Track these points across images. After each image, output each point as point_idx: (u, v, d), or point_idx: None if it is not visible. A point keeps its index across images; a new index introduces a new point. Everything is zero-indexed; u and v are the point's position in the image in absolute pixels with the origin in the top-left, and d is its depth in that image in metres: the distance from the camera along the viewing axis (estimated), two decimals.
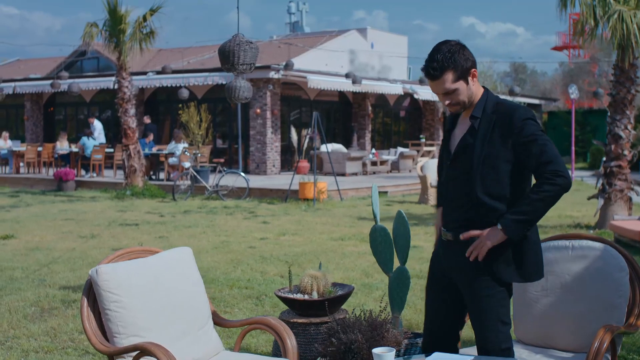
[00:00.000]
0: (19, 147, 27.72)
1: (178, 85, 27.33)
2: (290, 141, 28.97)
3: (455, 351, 4.22)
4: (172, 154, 23.09)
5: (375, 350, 3.71)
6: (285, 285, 6.00)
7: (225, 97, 8.61)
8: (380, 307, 5.16)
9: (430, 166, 19.30)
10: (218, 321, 4.66)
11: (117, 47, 20.92)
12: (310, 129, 20.63)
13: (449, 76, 3.73)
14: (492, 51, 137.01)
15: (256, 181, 22.52)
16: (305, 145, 25.04)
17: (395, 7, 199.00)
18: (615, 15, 12.59)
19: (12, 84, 31.89)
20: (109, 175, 25.16)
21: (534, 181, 3.85)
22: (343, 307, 6.31)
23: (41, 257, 10.79)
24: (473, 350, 4.37)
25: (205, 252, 11.32)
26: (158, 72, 28.22)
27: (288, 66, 26.02)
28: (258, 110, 26.78)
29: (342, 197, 19.67)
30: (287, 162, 28.87)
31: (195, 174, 20.34)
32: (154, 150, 24.95)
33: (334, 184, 19.82)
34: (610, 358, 4.29)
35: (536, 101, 42.24)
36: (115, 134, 30.14)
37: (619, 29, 12.58)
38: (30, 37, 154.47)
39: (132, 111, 21.38)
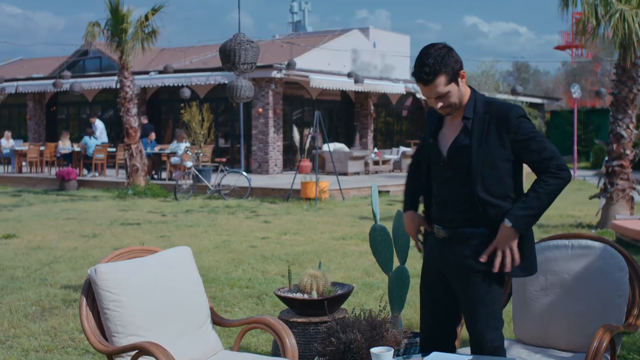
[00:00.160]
0: (22, 146, 27.75)
1: (180, 84, 27.34)
2: (292, 140, 28.97)
3: (453, 349, 4.22)
4: (174, 154, 23.10)
5: (374, 350, 3.71)
6: (286, 285, 5.99)
7: (227, 96, 8.63)
8: (379, 306, 5.16)
9: None
10: (217, 320, 4.66)
11: (119, 47, 20.93)
12: (312, 129, 20.64)
13: (442, 80, 3.73)
14: (495, 50, 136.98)
15: (258, 180, 22.52)
16: (307, 144, 25.04)
17: (397, 7, 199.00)
18: (617, 15, 12.57)
19: (15, 83, 31.92)
20: (111, 175, 25.18)
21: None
22: (343, 306, 6.31)
23: (43, 257, 10.80)
24: (467, 350, 4.38)
25: (207, 251, 11.32)
26: (160, 72, 28.23)
27: (290, 65, 26.02)
28: (260, 110, 26.78)
29: (344, 196, 19.67)
30: (290, 162, 28.86)
31: (197, 173, 20.34)
32: (156, 149, 24.97)
33: (336, 183, 19.82)
34: (609, 358, 4.28)
35: (539, 100, 42.20)
36: (117, 133, 30.16)
37: (620, 28, 12.56)
38: (33, 37, 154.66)
39: (134, 110, 21.39)
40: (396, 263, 5.45)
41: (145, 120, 26.51)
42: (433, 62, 3.70)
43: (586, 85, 49.08)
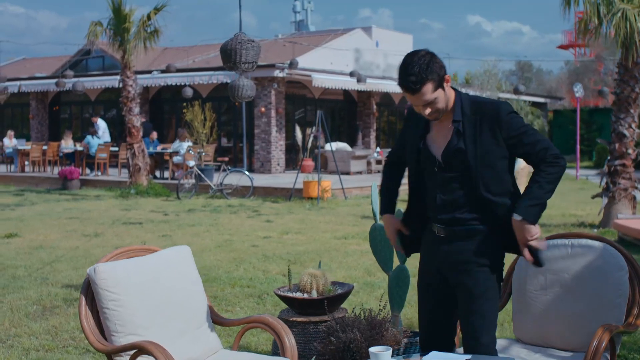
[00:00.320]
0: (24, 145, 27.77)
1: (183, 84, 27.35)
2: (294, 140, 28.96)
3: (453, 348, 4.22)
4: (176, 153, 23.10)
5: (372, 349, 3.70)
6: (287, 284, 5.99)
7: (229, 95, 8.63)
8: (379, 306, 5.16)
9: None
10: (216, 320, 4.66)
11: (122, 46, 20.94)
12: (314, 128, 20.63)
13: (429, 87, 3.71)
14: (498, 50, 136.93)
15: (260, 180, 22.53)
16: (310, 143, 25.04)
17: (400, 6, 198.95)
18: (619, 14, 12.56)
19: (18, 82, 31.93)
20: (113, 174, 25.20)
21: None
22: (344, 305, 6.32)
23: (44, 256, 10.81)
24: None
25: (208, 250, 11.32)
26: (163, 71, 28.23)
27: (293, 65, 26.02)
28: (263, 109, 26.79)
29: (346, 195, 19.67)
30: (292, 161, 28.86)
31: (199, 172, 20.35)
32: (159, 149, 24.98)
33: (338, 182, 19.82)
34: (609, 357, 4.28)
35: (541, 100, 42.19)
36: (120, 132, 30.18)
37: (622, 28, 12.55)
38: (36, 36, 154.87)
39: (136, 110, 21.40)
40: (396, 262, 5.46)
41: (143, 119, 26.54)
42: (418, 70, 3.68)
43: (589, 85, 49.03)
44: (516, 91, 31.38)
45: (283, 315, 5.22)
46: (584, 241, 4.60)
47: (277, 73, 25.98)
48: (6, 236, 12.66)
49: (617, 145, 13.47)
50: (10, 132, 28.23)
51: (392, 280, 5.46)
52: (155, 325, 4.22)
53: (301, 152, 28.02)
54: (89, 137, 25.05)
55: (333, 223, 14.61)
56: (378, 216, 5.42)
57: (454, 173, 3.88)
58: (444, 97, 3.79)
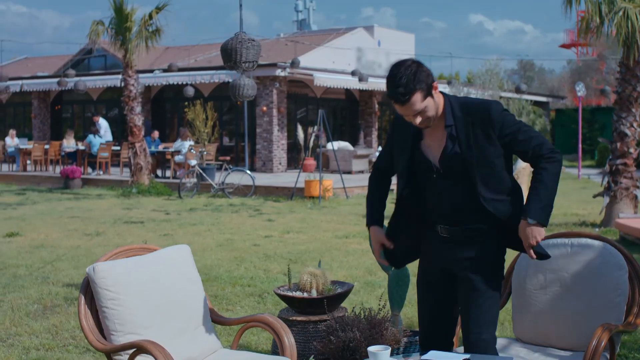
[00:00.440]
0: (26, 144, 27.79)
1: (184, 83, 27.35)
2: (296, 139, 28.96)
3: (451, 347, 4.22)
4: (178, 152, 23.12)
5: (371, 349, 3.70)
6: (288, 283, 5.99)
7: (230, 94, 8.63)
8: (379, 305, 5.16)
9: None
10: (216, 319, 4.66)
11: (123, 45, 20.95)
12: (316, 127, 20.63)
13: (418, 97, 3.69)
14: (501, 49, 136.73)
15: (262, 179, 22.53)
16: (312, 143, 25.04)
17: (402, 5, 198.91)
18: (621, 13, 12.55)
19: (20, 82, 31.96)
20: (115, 173, 25.22)
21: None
22: (344, 305, 6.31)
23: (45, 255, 10.82)
24: None
25: (210, 249, 11.33)
26: (164, 70, 28.24)
27: (294, 64, 26.03)
28: (264, 108, 26.79)
29: (347, 194, 19.67)
30: (294, 160, 28.86)
31: (201, 171, 20.36)
32: (160, 148, 24.99)
33: (340, 181, 19.81)
34: (608, 356, 4.28)
35: (544, 99, 42.16)
36: (121, 132, 30.19)
37: (623, 27, 12.54)
38: (39, 35, 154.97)
39: (138, 109, 21.41)
40: None
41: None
42: (406, 81, 3.66)
43: (591, 84, 48.98)
44: (518, 90, 31.36)
45: (283, 315, 5.22)
46: (583, 240, 4.59)
47: (279, 72, 25.98)
48: (7, 235, 12.67)
49: (618, 144, 13.46)
50: (12, 131, 28.26)
51: (392, 280, 5.46)
52: (155, 325, 4.22)
53: (303, 151, 28.02)
54: (90, 136, 25.07)
55: (334, 222, 14.61)
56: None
57: (453, 177, 3.87)
58: (434, 104, 3.77)
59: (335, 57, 33.60)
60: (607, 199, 13.56)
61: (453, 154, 3.84)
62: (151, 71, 28.82)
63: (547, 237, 4.74)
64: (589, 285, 4.47)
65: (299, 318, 5.12)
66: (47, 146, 27.01)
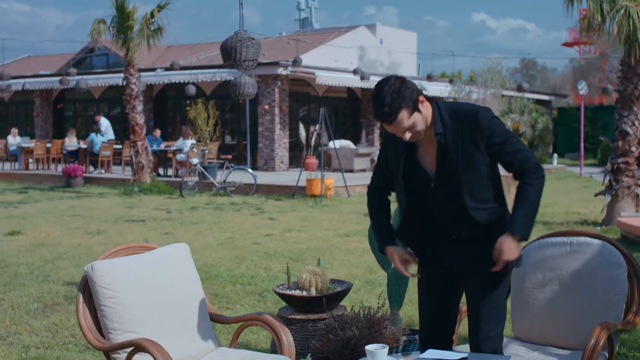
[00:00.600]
0: (28, 143, 27.80)
1: (186, 81, 27.33)
2: (298, 137, 28.96)
3: (451, 346, 4.21)
4: (180, 151, 23.13)
5: (368, 347, 3.70)
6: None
7: (230, 93, 8.63)
8: (378, 303, 5.15)
9: None
10: (214, 317, 4.66)
11: (125, 44, 20.96)
12: (317, 125, 20.61)
13: (404, 114, 3.66)
14: (503, 47, 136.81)
15: (264, 177, 22.53)
16: (313, 141, 25.03)
17: (405, 3, 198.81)
18: (622, 11, 12.54)
19: (22, 80, 31.98)
20: (117, 172, 25.23)
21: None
22: (345, 303, 6.31)
23: (46, 253, 10.83)
24: (467, 348, 4.37)
25: (210, 248, 11.33)
26: (166, 69, 28.25)
27: (296, 62, 26.01)
28: (266, 107, 26.79)
29: (349, 193, 19.66)
30: (296, 159, 28.86)
31: (202, 170, 20.36)
32: (162, 146, 25.00)
33: (342, 180, 19.80)
34: (607, 355, 4.27)
35: (546, 97, 42.11)
36: (123, 130, 30.20)
37: (625, 25, 12.52)
38: (41, 34, 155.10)
39: (139, 107, 21.42)
40: None
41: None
42: (390, 100, 3.63)
43: (594, 82, 48.90)
44: (520, 89, 31.32)
45: (282, 313, 5.21)
46: (582, 239, 4.59)
47: (281, 71, 25.97)
48: (9, 233, 12.67)
49: (620, 142, 13.45)
50: (14, 130, 28.28)
51: (391, 278, 5.45)
52: (153, 323, 4.22)
53: (305, 149, 28.01)
54: (92, 135, 25.09)
55: (336, 221, 14.61)
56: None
57: (450, 185, 3.87)
58: (422, 118, 3.74)
59: (338, 56, 33.59)
60: (608, 198, 13.55)
61: (445, 162, 3.84)
62: (153, 70, 28.83)
63: (546, 236, 4.74)
64: (587, 283, 4.46)
65: (298, 316, 5.12)
66: (49, 145, 27.03)
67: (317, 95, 30.48)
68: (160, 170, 24.57)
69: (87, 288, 4.22)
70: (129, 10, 20.55)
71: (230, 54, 6.72)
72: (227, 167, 20.62)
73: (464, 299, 4.14)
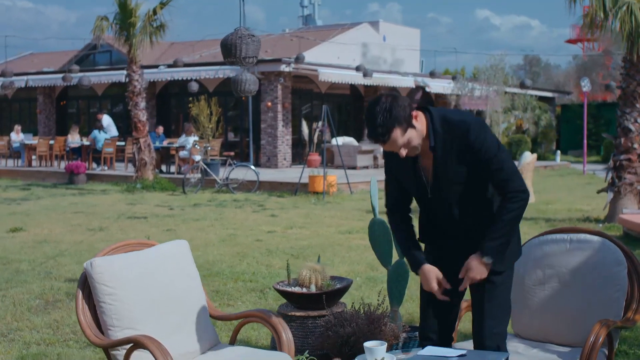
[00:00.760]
0: (31, 140, 27.83)
1: (189, 78, 27.34)
2: (301, 134, 28.94)
3: (450, 342, 4.21)
4: (182, 147, 23.13)
5: (367, 344, 3.70)
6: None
7: (232, 89, 8.63)
8: (378, 300, 5.15)
9: None
10: (214, 314, 4.66)
11: (128, 41, 20.97)
12: (320, 122, 20.60)
13: (397, 133, 3.65)
14: (507, 44, 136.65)
15: (267, 174, 22.53)
16: (316, 138, 25.01)
17: (409, 0, 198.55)
18: (624, 8, 12.52)
19: (25, 77, 31.98)
20: (120, 169, 25.24)
21: None
22: (345, 300, 6.31)
23: (48, 250, 10.84)
24: (467, 344, 4.37)
25: (212, 245, 11.33)
26: (169, 66, 28.25)
27: (299, 59, 26.00)
28: (269, 104, 26.78)
29: (352, 190, 19.65)
30: (298, 156, 28.85)
31: (205, 167, 20.36)
32: (165, 143, 25.01)
33: (344, 177, 19.80)
34: (606, 352, 4.27)
35: (549, 94, 42.05)
36: (126, 127, 30.21)
37: (627, 22, 12.50)
38: (45, 31, 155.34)
39: (142, 104, 21.43)
40: (395, 257, 5.44)
41: None
42: (382, 120, 3.62)
43: (597, 79, 48.88)
44: (522, 86, 31.29)
45: (282, 310, 5.21)
46: (582, 236, 4.58)
47: (284, 67, 25.96)
48: (11, 230, 12.69)
49: (622, 139, 13.43)
50: (18, 127, 28.30)
51: (391, 275, 5.45)
52: (152, 320, 4.22)
53: (307, 146, 28.00)
54: (95, 132, 25.10)
55: (338, 218, 14.60)
56: (377, 210, 5.41)
57: (443, 194, 3.89)
58: (417, 133, 3.73)
59: (340, 53, 33.56)
60: (611, 195, 13.53)
61: (439, 171, 3.84)
62: (156, 67, 28.83)
63: (546, 233, 4.73)
64: (587, 281, 4.46)
65: (298, 313, 5.12)
66: (52, 142, 27.05)
67: (319, 92, 30.46)
68: (163, 167, 24.58)
69: (86, 285, 4.23)
70: (132, 7, 20.56)
71: (230, 50, 6.71)
72: (230, 164, 20.62)
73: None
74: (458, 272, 3.98)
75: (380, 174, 20.66)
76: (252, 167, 20.84)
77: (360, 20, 46.24)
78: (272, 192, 19.71)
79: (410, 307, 7.25)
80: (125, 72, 22.29)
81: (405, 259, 5.35)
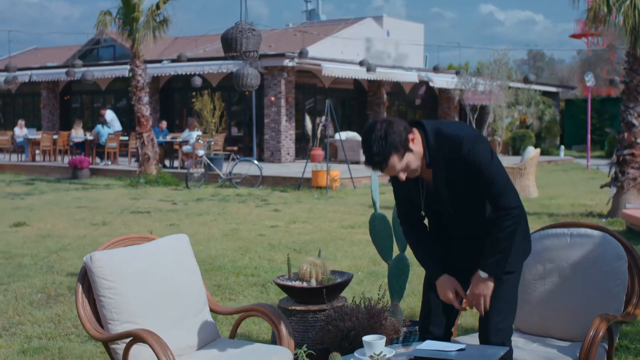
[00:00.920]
0: (35, 135, 27.85)
1: (193, 73, 27.35)
2: (304, 129, 28.94)
3: (450, 337, 4.21)
4: (186, 142, 23.14)
5: (366, 338, 3.70)
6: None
7: (233, 84, 8.62)
8: (378, 294, 5.15)
9: None
10: (214, 308, 4.66)
11: (131, 35, 20.97)
12: (323, 117, 20.60)
13: (394, 159, 3.64)
14: (511, 39, 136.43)
15: (270, 169, 22.53)
16: (319, 133, 25.00)
17: None
18: (628, 2, 12.49)
19: (29, 72, 32.01)
20: (123, 163, 25.26)
21: None
22: (346, 294, 6.32)
23: (51, 245, 10.85)
24: (467, 339, 4.37)
25: (215, 239, 11.33)
26: (173, 60, 28.26)
27: (303, 54, 25.98)
28: (272, 98, 26.78)
29: (355, 185, 19.65)
30: (302, 150, 28.85)
31: (208, 161, 20.37)
32: (168, 138, 25.02)
33: (348, 172, 19.79)
34: (606, 347, 4.26)
35: (553, 89, 42.00)
36: (130, 122, 30.23)
37: (630, 16, 12.47)
38: (49, 26, 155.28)
39: (145, 99, 21.43)
40: (396, 251, 5.45)
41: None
42: (378, 148, 3.60)
43: (602, 74, 48.79)
44: (526, 80, 31.25)
45: (282, 304, 5.21)
46: (583, 230, 4.58)
47: (287, 62, 25.95)
48: (14, 225, 12.71)
49: (626, 134, 13.40)
50: (21, 122, 28.31)
51: (392, 269, 5.46)
52: (152, 314, 4.23)
53: (311, 141, 28.01)
54: (99, 127, 25.13)
55: (341, 212, 14.60)
56: (378, 205, 5.41)
57: (448, 204, 3.90)
58: (414, 156, 3.71)
59: (344, 48, 33.55)
60: (614, 190, 13.50)
61: (439, 185, 3.84)
62: (160, 61, 28.84)
63: (546, 227, 4.73)
64: (588, 275, 4.45)
65: (298, 307, 5.12)
66: (55, 136, 27.07)
67: (323, 86, 30.45)
68: (167, 162, 24.59)
69: (86, 279, 4.22)
70: (135, 2, 20.55)
71: (230, 44, 6.71)
72: (233, 159, 20.62)
73: None
74: (464, 266, 4.00)
75: None
76: (256, 161, 20.85)
77: (364, 15, 46.28)
78: (275, 187, 19.72)
79: (412, 302, 7.25)
80: (128, 66, 22.29)
81: (405, 254, 5.38)
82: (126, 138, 26.02)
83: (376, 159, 3.63)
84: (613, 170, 13.72)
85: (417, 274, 7.19)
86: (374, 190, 5.38)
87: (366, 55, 33.72)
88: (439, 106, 36.36)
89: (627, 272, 4.42)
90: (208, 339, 4.49)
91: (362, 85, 32.26)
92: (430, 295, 4.16)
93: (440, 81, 32.09)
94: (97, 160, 25.37)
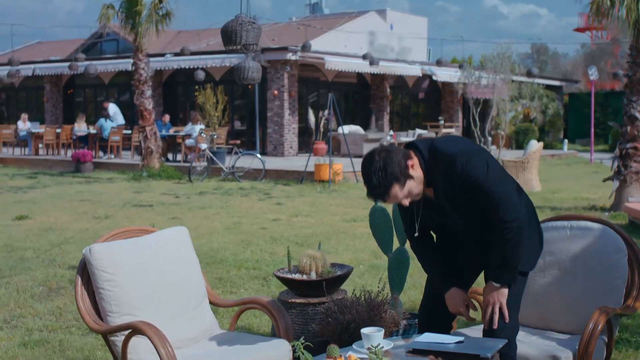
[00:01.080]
0: (38, 128, 27.87)
1: (196, 67, 27.32)
2: (307, 123, 28.92)
3: (450, 330, 4.21)
4: (189, 136, 23.13)
5: (364, 330, 3.70)
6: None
7: (235, 77, 8.62)
8: (378, 287, 5.15)
9: None
10: (213, 301, 4.67)
11: (134, 29, 20.94)
12: (326, 111, 20.57)
13: (396, 189, 3.64)
14: (515, 33, 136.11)
15: (273, 163, 22.52)
16: (322, 126, 24.98)
17: None
18: None
19: (32, 66, 32.00)
20: (126, 157, 25.27)
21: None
22: (347, 287, 6.31)
23: (53, 238, 10.86)
24: (466, 331, 4.37)
25: (217, 233, 11.34)
26: (176, 54, 28.23)
27: (306, 47, 25.94)
28: (275, 92, 26.75)
29: (357, 178, 19.63)
30: (305, 144, 28.80)
31: (211, 155, 20.36)
32: (171, 131, 25.03)
33: (350, 165, 19.78)
34: (606, 339, 4.26)
35: (557, 83, 41.91)
36: (133, 115, 30.23)
37: (633, 9, 12.43)
38: (53, 20, 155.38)
39: (148, 93, 21.41)
40: (396, 244, 5.45)
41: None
42: (379, 180, 3.60)
43: (606, 68, 48.73)
44: (529, 74, 31.16)
45: (282, 297, 5.22)
46: (583, 223, 4.58)
47: (290, 56, 25.91)
48: (17, 218, 12.72)
49: (628, 128, 13.36)
50: (24, 116, 28.32)
51: (392, 262, 5.46)
52: (151, 306, 4.23)
53: (314, 135, 27.99)
54: (102, 120, 25.13)
55: (343, 206, 14.60)
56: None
57: (453, 219, 3.92)
58: (415, 182, 3.71)
59: (347, 41, 33.49)
60: (616, 183, 13.48)
61: (441, 202, 3.84)
62: (163, 55, 28.82)
63: (547, 220, 4.72)
64: (588, 268, 4.45)
65: (298, 300, 5.12)
66: (58, 130, 27.09)
67: (326, 80, 30.41)
68: (169, 156, 24.60)
69: (85, 271, 4.23)
70: None
71: (230, 37, 6.70)
72: (236, 153, 20.62)
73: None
74: (469, 265, 4.00)
75: None
76: (258, 155, 20.84)
77: (367, 8, 46.13)
78: (278, 181, 19.71)
79: (412, 295, 7.25)
80: (131, 60, 22.28)
81: (405, 247, 5.38)
82: (129, 132, 26.02)
83: (377, 190, 3.64)
84: (616, 163, 13.69)
85: (417, 267, 7.16)
86: None
87: (369, 48, 33.64)
88: (442, 100, 36.33)
89: (627, 265, 4.43)
90: (207, 331, 4.49)
91: (365, 78, 32.21)
92: (433, 291, 4.17)
93: (444, 75, 32.02)
94: (100, 153, 25.38)
